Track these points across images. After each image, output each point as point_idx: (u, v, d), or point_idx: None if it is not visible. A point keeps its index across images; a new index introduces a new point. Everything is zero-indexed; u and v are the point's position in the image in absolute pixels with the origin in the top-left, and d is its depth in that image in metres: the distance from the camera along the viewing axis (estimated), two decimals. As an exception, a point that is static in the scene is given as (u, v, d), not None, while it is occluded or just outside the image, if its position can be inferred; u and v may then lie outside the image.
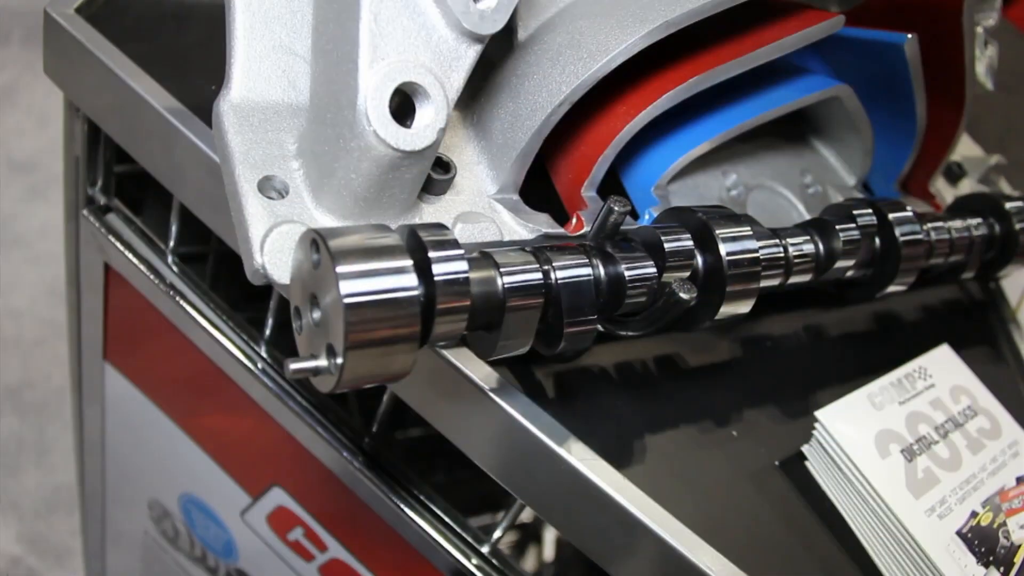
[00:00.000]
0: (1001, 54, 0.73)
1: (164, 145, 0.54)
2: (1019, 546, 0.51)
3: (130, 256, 0.65)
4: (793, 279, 0.49)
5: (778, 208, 0.59)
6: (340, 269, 0.32)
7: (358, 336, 0.32)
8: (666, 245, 0.41)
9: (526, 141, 0.45)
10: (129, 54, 0.56)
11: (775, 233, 0.49)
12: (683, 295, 0.40)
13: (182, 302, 0.64)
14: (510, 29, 0.49)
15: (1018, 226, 0.63)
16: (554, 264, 0.39)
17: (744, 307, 0.45)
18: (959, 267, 0.62)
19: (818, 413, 0.52)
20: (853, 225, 0.51)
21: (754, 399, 0.56)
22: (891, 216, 0.53)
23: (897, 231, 0.53)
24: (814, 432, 0.52)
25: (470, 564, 0.57)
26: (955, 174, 0.73)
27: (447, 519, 0.58)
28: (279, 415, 0.62)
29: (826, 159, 0.64)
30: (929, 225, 0.58)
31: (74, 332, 0.79)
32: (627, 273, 0.40)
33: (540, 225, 0.46)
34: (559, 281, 0.39)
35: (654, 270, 0.41)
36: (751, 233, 0.45)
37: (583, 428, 0.47)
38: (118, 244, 0.65)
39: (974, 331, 0.75)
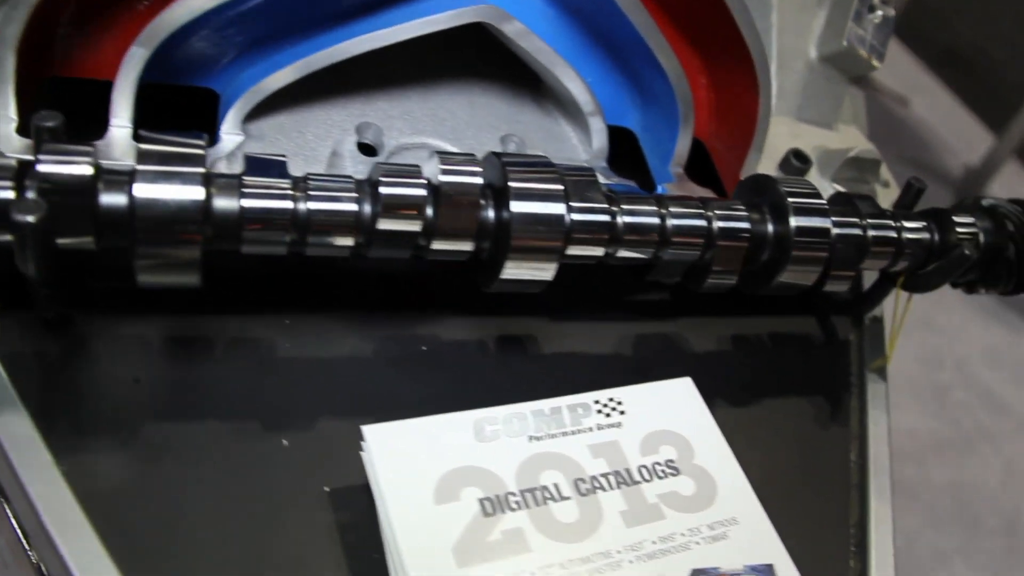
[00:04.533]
0: None
1: None
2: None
3: None
4: (319, 239, 0.37)
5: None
6: None
7: None
8: (43, 168, 0.32)
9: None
10: None
11: (298, 185, 0.37)
12: (19, 218, 0.30)
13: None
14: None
15: (798, 223, 0.45)
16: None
17: (177, 262, 0.35)
18: (701, 268, 0.45)
19: (366, 428, 0.39)
20: (422, 182, 0.38)
21: (353, 408, 0.43)
22: (514, 183, 0.39)
23: (516, 203, 0.39)
24: (361, 453, 0.39)
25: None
26: (793, 166, 0.54)
27: None
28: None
29: (559, 127, 0.50)
30: (627, 206, 0.42)
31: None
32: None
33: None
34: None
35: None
36: (194, 175, 0.34)
37: (41, 396, 0.38)
38: None
39: (817, 374, 0.56)
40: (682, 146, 0.50)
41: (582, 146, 0.50)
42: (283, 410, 0.43)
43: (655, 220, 0.42)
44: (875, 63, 0.57)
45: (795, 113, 0.58)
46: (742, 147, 0.52)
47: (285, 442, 0.41)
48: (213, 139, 0.43)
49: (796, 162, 0.54)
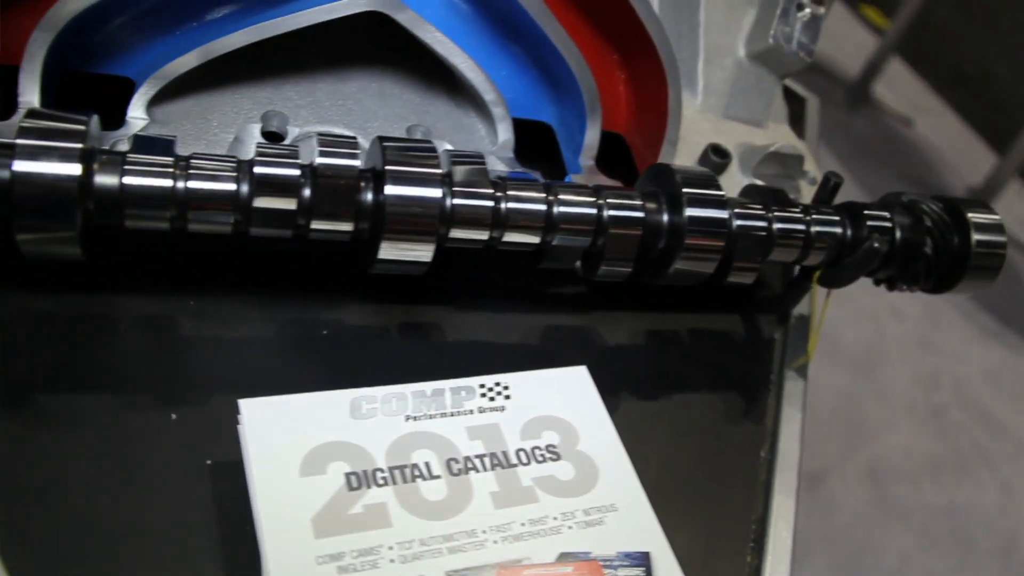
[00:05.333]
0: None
1: None
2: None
3: None
4: (199, 215, 0.39)
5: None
6: None
7: None
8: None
9: None
10: None
11: (178, 164, 0.38)
12: None
13: None
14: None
15: (691, 211, 0.45)
16: None
17: (56, 234, 0.36)
18: (595, 256, 0.45)
19: (242, 402, 0.39)
20: (296, 162, 0.39)
21: (247, 387, 0.44)
22: (390, 166, 0.40)
23: (390, 186, 0.39)
24: (239, 427, 0.40)
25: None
26: (712, 161, 0.54)
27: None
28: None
29: (468, 118, 0.51)
30: (513, 192, 0.43)
31: None
32: None
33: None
34: None
35: None
36: (71, 150, 0.36)
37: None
38: None
39: (738, 372, 0.55)
40: (591, 138, 0.51)
41: (490, 137, 0.51)
42: (177, 387, 0.44)
43: (541, 206, 0.43)
44: (805, 58, 0.57)
45: (723, 110, 0.58)
46: (659, 142, 0.52)
47: (174, 416, 0.42)
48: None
49: (715, 157, 0.54)
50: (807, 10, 0.57)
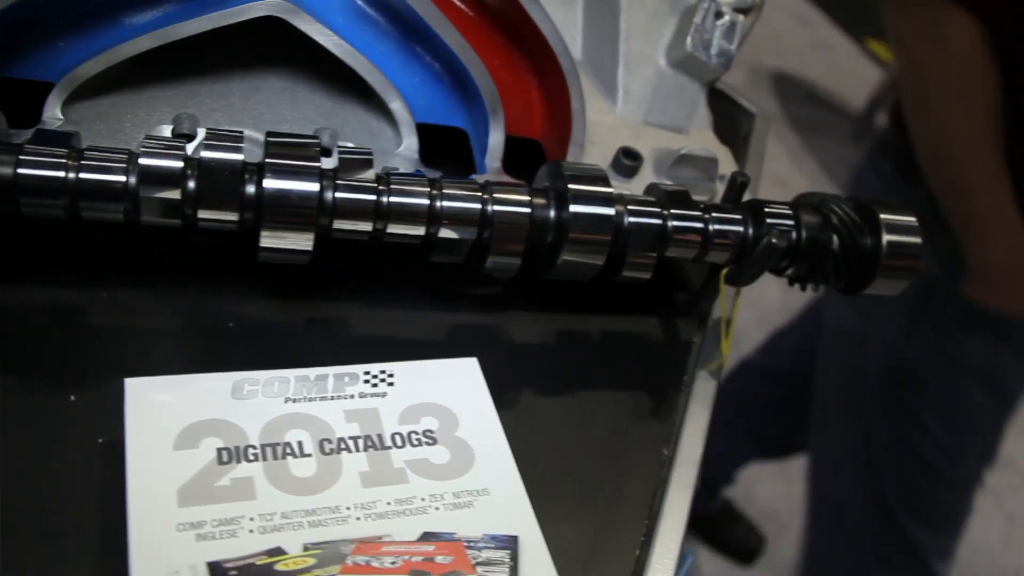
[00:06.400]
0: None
1: None
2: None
3: None
4: (91, 204, 0.41)
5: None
6: None
7: None
8: None
9: None
10: None
11: (74, 156, 0.41)
12: None
13: None
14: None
15: (575, 206, 0.45)
16: None
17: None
18: (482, 249, 0.47)
19: (127, 380, 0.41)
20: (179, 154, 0.41)
21: (146, 373, 0.46)
22: (270, 159, 0.42)
23: (268, 178, 0.41)
24: (124, 405, 0.42)
25: None
26: (623, 164, 0.55)
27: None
28: None
29: (378, 123, 0.53)
30: (396, 186, 0.44)
31: None
32: None
33: None
34: None
35: None
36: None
37: None
38: None
39: (651, 372, 0.55)
40: (495, 140, 0.52)
41: (396, 140, 0.53)
42: (78, 371, 0.46)
43: (424, 200, 0.45)
44: (724, 64, 0.58)
45: (643, 117, 0.59)
46: (562, 140, 0.53)
47: (72, 397, 0.45)
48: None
49: (626, 160, 0.55)
50: (726, 18, 0.59)
